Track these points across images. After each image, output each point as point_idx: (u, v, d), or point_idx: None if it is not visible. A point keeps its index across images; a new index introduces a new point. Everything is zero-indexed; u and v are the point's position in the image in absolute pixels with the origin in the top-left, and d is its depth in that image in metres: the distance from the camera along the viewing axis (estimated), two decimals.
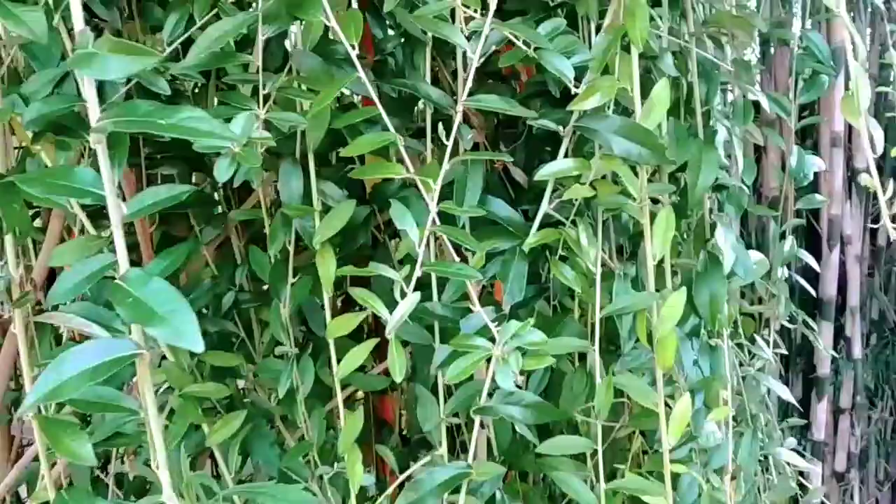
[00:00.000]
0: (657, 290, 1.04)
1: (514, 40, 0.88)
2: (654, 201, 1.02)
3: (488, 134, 1.31)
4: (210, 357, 1.13)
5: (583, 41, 1.06)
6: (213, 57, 0.80)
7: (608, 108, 1.00)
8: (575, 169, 0.99)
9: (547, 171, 0.99)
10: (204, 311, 1.25)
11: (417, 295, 0.83)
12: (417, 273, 0.83)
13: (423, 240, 0.86)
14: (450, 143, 0.87)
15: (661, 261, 1.03)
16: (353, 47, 0.82)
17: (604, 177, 1.02)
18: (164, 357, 1.08)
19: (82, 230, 0.91)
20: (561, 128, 1.00)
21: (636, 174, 0.97)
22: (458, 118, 0.90)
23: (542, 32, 0.90)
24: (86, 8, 0.80)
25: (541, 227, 1.03)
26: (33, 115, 0.79)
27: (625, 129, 0.96)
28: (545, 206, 1.02)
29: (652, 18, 1.02)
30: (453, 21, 0.88)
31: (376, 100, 0.84)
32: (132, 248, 1.19)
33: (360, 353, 0.95)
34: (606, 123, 0.97)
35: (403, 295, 0.83)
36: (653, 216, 1.01)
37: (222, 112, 0.80)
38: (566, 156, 1.01)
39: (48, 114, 0.78)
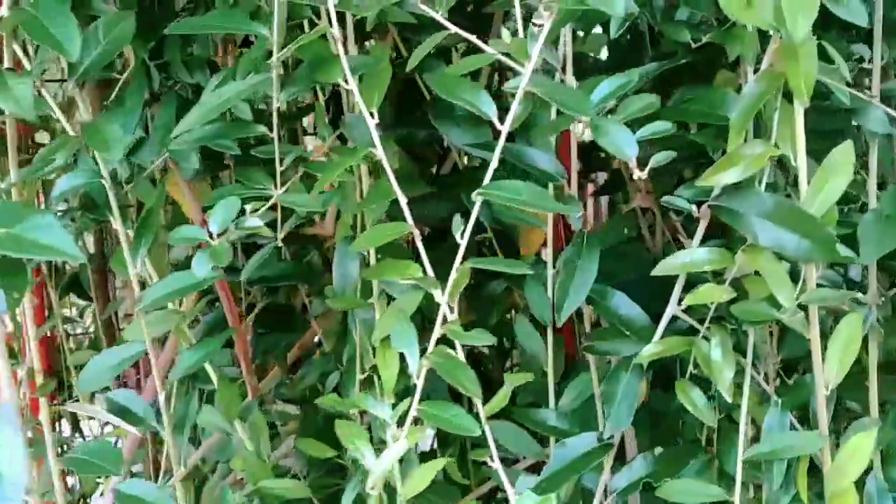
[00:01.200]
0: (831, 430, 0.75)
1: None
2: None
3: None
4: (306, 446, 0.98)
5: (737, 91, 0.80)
6: (222, 129, 0.65)
7: (761, 180, 0.73)
8: (709, 263, 0.73)
9: (671, 265, 0.74)
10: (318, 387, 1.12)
11: (404, 445, 0.62)
12: (412, 413, 0.62)
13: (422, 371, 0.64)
14: (463, 239, 0.65)
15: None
16: (372, 115, 0.64)
17: (757, 272, 0.75)
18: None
19: None
20: (695, 207, 0.75)
21: (795, 277, 0.69)
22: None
23: (602, 93, 0.65)
24: None
25: (669, 333, 0.78)
26: None
27: (778, 212, 0.69)
28: (672, 308, 0.77)
29: (827, 58, 0.74)
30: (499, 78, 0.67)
31: (391, 175, 0.64)
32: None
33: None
34: (752, 203, 0.70)
35: None
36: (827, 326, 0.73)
37: (235, 191, 0.65)
38: (703, 242, 0.76)
39: None
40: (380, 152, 0.63)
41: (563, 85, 0.54)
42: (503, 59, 0.60)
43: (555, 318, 0.81)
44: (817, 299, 0.70)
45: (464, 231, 0.66)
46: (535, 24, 0.58)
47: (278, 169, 0.67)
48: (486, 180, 0.63)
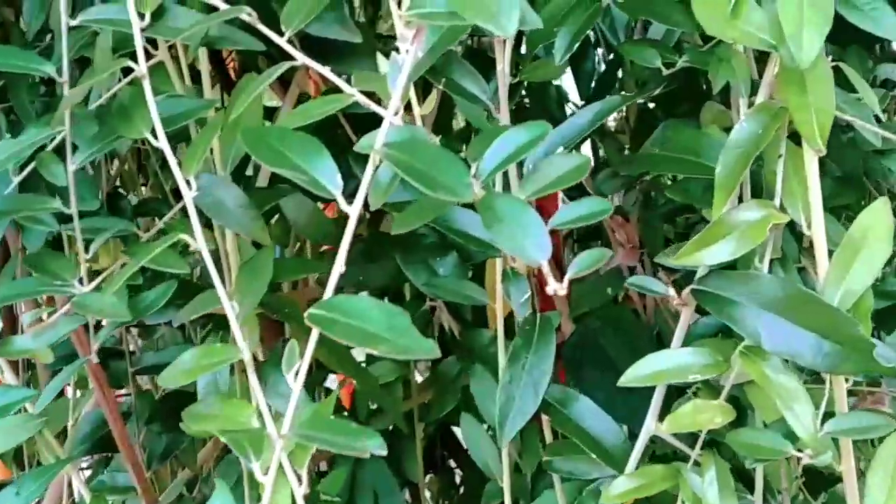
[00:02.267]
0: None
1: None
2: None
3: None
4: None
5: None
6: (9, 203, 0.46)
7: (763, 256, 0.53)
8: (696, 370, 0.52)
9: (641, 374, 0.53)
10: None
11: None
12: None
13: None
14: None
15: None
16: (189, 185, 0.44)
17: None
18: None
19: None
20: (671, 291, 0.54)
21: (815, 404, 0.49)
22: None
23: (499, 155, 0.43)
24: None
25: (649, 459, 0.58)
26: None
27: (789, 302, 0.49)
28: (651, 426, 0.56)
29: (845, 83, 0.54)
30: None
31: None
32: None
33: None
34: (751, 289, 0.50)
35: None
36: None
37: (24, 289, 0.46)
38: (687, 342, 0.55)
39: None
40: (198, 241, 0.43)
41: (436, 148, 0.35)
42: (364, 101, 0.40)
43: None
44: (851, 431, 0.49)
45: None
46: (397, 51, 0.38)
47: (83, 256, 0.48)
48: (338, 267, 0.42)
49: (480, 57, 0.80)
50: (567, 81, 0.96)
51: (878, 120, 0.56)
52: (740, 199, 0.55)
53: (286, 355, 0.37)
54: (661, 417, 0.56)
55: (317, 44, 0.62)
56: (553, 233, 1.07)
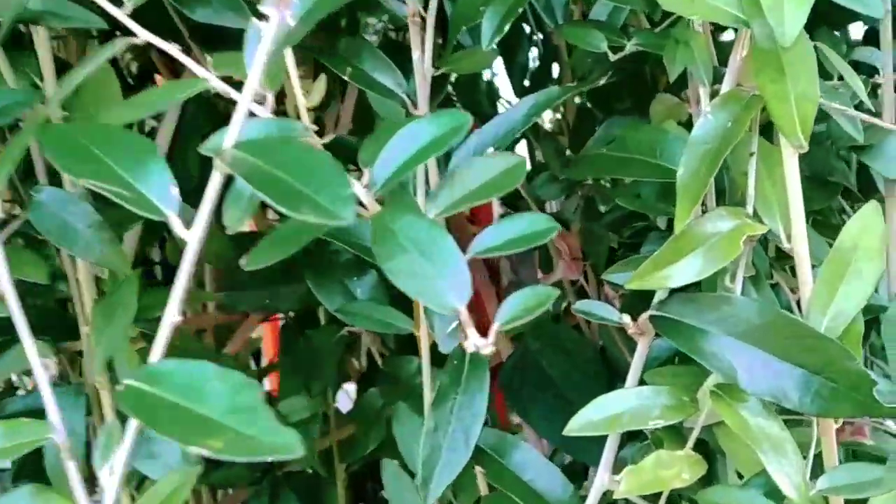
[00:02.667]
0: None
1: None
2: None
3: None
4: None
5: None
6: None
7: (735, 274, 0.44)
8: (657, 414, 0.43)
9: (593, 419, 0.44)
10: None
11: None
12: None
13: None
14: None
15: None
16: None
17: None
18: None
19: None
20: (626, 318, 0.45)
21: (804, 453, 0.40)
22: None
23: (395, 160, 0.32)
24: None
25: None
26: None
27: (767, 330, 0.40)
28: (603, 479, 0.47)
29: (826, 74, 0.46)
30: None
31: None
32: None
33: None
34: (720, 315, 0.41)
35: None
36: None
37: None
38: (642, 381, 0.46)
39: None
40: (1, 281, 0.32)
41: (306, 150, 0.25)
42: (221, 87, 0.30)
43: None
44: (848, 488, 0.40)
45: None
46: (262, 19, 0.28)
47: None
48: None
49: (401, 50, 0.71)
50: (501, 80, 0.87)
51: (858, 108, 0.48)
52: (703, 208, 0.46)
53: (101, 441, 0.26)
54: (618, 468, 0.46)
55: (210, 33, 0.51)
56: None
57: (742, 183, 0.44)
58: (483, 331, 0.86)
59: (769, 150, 0.44)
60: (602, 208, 0.75)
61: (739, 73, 0.44)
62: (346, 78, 0.49)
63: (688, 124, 0.52)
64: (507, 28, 0.47)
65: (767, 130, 0.45)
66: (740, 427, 0.40)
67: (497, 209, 1.19)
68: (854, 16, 0.60)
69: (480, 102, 0.71)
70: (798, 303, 0.49)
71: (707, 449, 0.47)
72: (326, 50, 0.51)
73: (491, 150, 0.48)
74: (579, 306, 0.46)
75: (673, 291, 0.43)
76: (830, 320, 0.41)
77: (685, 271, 0.41)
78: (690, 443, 0.43)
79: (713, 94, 0.46)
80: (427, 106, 0.49)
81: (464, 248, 0.83)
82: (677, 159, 0.43)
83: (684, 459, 0.42)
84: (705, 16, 0.41)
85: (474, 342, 0.27)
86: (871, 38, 0.60)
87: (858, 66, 0.53)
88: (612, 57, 0.48)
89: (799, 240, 0.42)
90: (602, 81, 0.52)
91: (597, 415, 0.44)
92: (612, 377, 0.85)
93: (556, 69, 0.84)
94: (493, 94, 0.74)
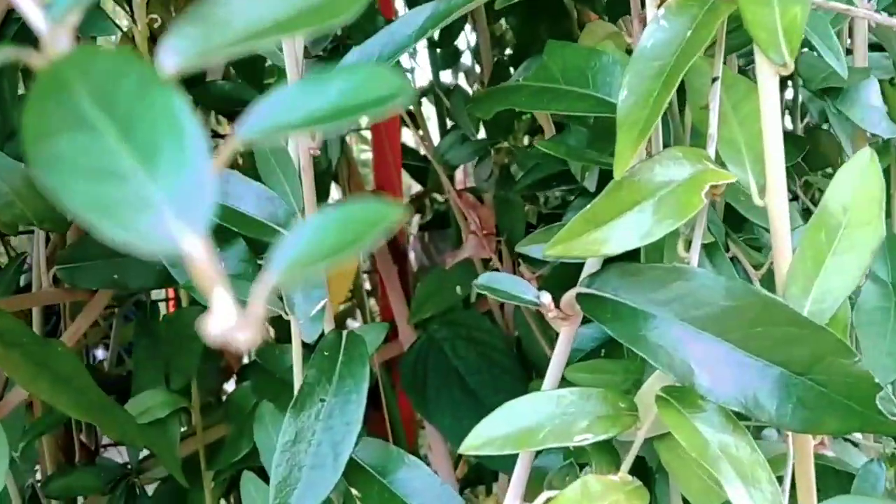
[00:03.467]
0: None
1: None
2: None
3: None
4: None
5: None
6: None
7: (690, 243, 0.33)
8: (582, 428, 0.31)
9: (500, 432, 0.32)
10: None
11: None
12: None
13: None
14: None
15: None
16: None
17: None
18: None
19: None
20: (545, 298, 0.33)
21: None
22: None
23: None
24: None
25: None
26: None
27: (736, 316, 0.29)
28: None
29: None
30: None
31: None
32: None
33: None
34: (672, 296, 0.30)
35: None
36: None
37: None
38: (564, 380, 0.35)
39: None
40: None
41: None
42: None
43: None
44: None
45: None
46: None
47: None
48: None
49: None
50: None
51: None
52: (648, 153, 0.35)
53: None
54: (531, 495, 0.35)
55: None
56: None
57: (700, 119, 0.33)
58: (387, 318, 0.73)
59: (734, 79, 0.33)
60: (516, 175, 0.64)
61: None
62: None
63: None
64: None
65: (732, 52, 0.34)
66: (695, 445, 0.29)
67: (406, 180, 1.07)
68: None
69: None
70: (762, 281, 0.38)
71: (644, 469, 0.37)
72: None
73: None
74: (482, 281, 0.34)
75: (608, 262, 0.32)
76: (814, 303, 0.31)
77: (627, 233, 0.29)
78: (627, 464, 0.32)
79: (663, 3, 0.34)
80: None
81: None
82: (615, 90, 0.32)
83: (620, 488, 0.31)
84: None
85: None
86: None
87: None
88: None
89: (776, 194, 0.31)
90: None
91: (504, 427, 0.32)
92: (530, 372, 0.74)
93: None
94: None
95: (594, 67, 0.35)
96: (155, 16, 0.56)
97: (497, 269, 0.70)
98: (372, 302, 1.11)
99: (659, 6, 0.35)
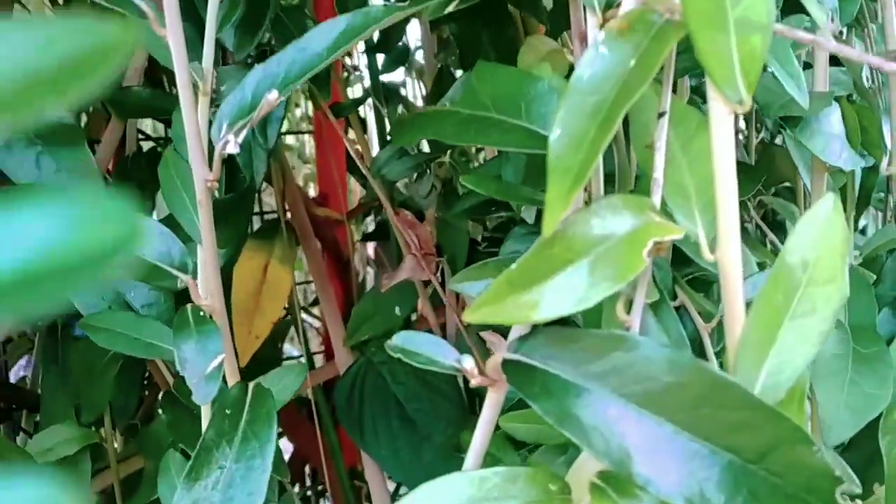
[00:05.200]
0: None
1: None
2: None
3: None
4: None
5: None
6: None
7: (631, 305, 0.29)
8: None
9: None
10: None
11: None
12: None
13: None
14: None
15: None
16: None
17: None
18: None
19: None
20: (467, 363, 0.29)
21: None
22: None
23: None
24: None
25: None
26: None
27: (680, 394, 0.25)
28: None
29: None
30: None
31: None
32: None
33: None
34: (608, 367, 0.26)
35: None
36: None
37: None
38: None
39: None
40: None
41: None
42: None
43: None
44: None
45: None
46: None
47: None
48: None
49: None
50: None
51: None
52: (587, 198, 0.31)
53: None
54: None
55: None
56: (339, 224, 0.80)
57: (645, 160, 0.29)
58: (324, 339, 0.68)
59: (684, 112, 0.29)
60: (460, 190, 0.60)
61: None
62: None
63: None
64: None
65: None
66: None
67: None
68: None
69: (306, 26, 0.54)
70: (712, 335, 0.34)
71: None
72: None
73: (274, 94, 0.31)
74: (396, 342, 0.29)
75: (538, 327, 0.28)
76: (769, 375, 0.27)
77: (559, 297, 0.25)
78: None
79: (605, 24, 0.30)
80: (179, 25, 0.32)
81: (314, 234, 0.65)
82: (550, 122, 0.27)
83: None
84: None
85: None
86: None
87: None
88: None
89: (728, 249, 0.27)
90: (450, 8, 0.35)
91: None
92: (473, 399, 0.70)
93: None
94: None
95: (528, 95, 0.31)
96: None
97: (436, 291, 0.65)
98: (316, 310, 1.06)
99: (601, 26, 0.31)
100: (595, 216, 0.26)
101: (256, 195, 0.78)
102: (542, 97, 0.30)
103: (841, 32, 0.49)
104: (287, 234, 0.74)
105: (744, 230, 0.59)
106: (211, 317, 0.33)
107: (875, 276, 0.51)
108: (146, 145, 0.75)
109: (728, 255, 0.27)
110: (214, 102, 0.55)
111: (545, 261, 0.25)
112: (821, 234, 0.28)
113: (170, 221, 0.39)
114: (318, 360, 1.07)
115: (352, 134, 0.75)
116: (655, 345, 0.26)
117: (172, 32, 0.32)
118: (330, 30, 0.32)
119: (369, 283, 1.29)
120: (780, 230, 0.69)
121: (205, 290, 0.34)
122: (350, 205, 0.99)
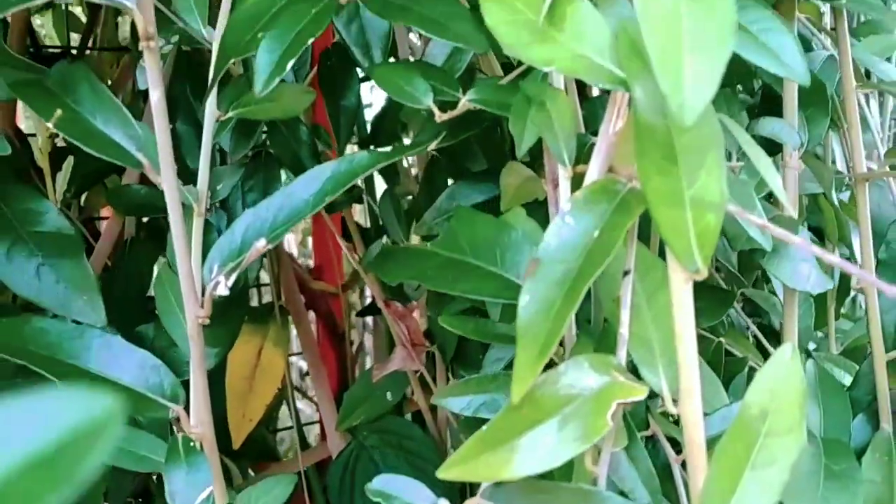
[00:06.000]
0: None
1: None
2: None
3: None
4: None
5: None
6: None
7: (598, 458, 0.30)
8: None
9: None
10: None
11: None
12: None
13: None
14: None
15: None
16: None
17: None
18: None
19: None
20: None
21: None
22: None
23: None
24: None
25: None
26: None
27: None
28: None
29: None
30: None
31: None
32: None
33: None
34: None
35: None
36: None
37: None
38: None
39: None
40: None
41: None
42: None
43: None
44: None
45: None
46: None
47: None
48: None
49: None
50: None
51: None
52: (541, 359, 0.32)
53: None
54: None
55: None
56: (334, 296, 0.81)
57: (612, 313, 0.30)
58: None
59: (650, 264, 0.31)
60: None
61: (613, 152, 0.30)
62: (50, 126, 0.33)
63: (544, 207, 0.39)
64: (288, 65, 0.32)
65: (645, 232, 0.32)
66: None
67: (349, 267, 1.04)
68: (752, 73, 0.48)
69: (300, 154, 0.56)
70: (683, 464, 0.35)
71: None
72: (32, 81, 0.34)
73: (262, 242, 0.33)
74: (375, 486, 0.31)
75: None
76: None
77: (529, 455, 0.26)
78: None
79: (576, 179, 0.32)
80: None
81: (308, 306, 0.67)
82: (524, 270, 0.29)
83: None
84: (563, 67, 0.27)
85: None
86: (770, 101, 0.48)
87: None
88: (441, 117, 0.33)
89: (690, 404, 0.28)
90: (433, 146, 0.37)
91: None
92: (465, 485, 0.70)
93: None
94: (318, 140, 0.58)
95: (503, 243, 0.32)
96: None
97: (426, 382, 0.67)
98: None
99: (570, 178, 0.33)
100: (562, 376, 0.27)
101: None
102: (516, 246, 0.32)
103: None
104: (281, 316, 0.76)
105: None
106: (201, 445, 0.35)
107: (854, 371, 0.52)
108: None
109: (689, 410, 0.28)
110: (211, 202, 0.57)
111: (515, 421, 0.27)
112: (779, 385, 0.29)
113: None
114: (314, 428, 1.08)
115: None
116: (617, 497, 0.27)
117: (167, 179, 0.34)
118: (316, 176, 0.34)
119: (366, 346, 1.30)
120: (764, 316, 0.70)
121: (196, 418, 0.35)
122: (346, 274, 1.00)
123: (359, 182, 0.35)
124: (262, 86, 0.32)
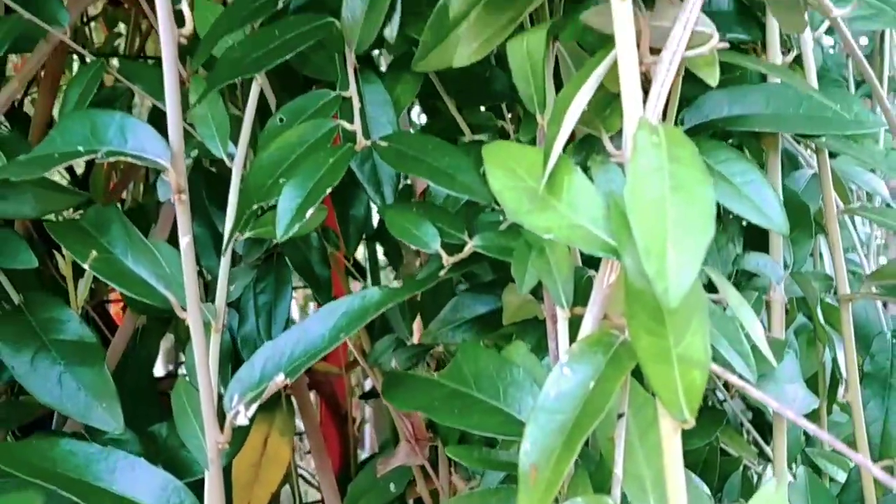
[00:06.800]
0: None
1: None
2: None
3: None
4: None
5: None
6: None
7: None
8: None
9: None
10: None
11: None
12: None
13: None
14: None
15: None
16: None
17: None
18: None
19: None
20: None
21: None
22: None
23: None
24: None
25: None
26: None
27: None
28: None
29: None
30: None
31: None
32: None
33: None
34: None
35: None
36: None
37: None
38: None
39: None
40: None
41: None
42: None
43: None
44: None
45: None
46: None
47: None
48: None
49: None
50: None
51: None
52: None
53: None
54: None
55: None
56: (338, 377, 0.83)
57: (607, 450, 0.32)
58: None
59: (644, 402, 0.33)
60: None
61: (607, 305, 0.33)
62: (85, 266, 0.35)
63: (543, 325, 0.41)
64: (309, 211, 0.35)
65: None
66: None
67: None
68: None
69: (310, 259, 0.58)
70: None
71: None
72: (68, 223, 0.37)
73: (280, 377, 0.35)
74: None
75: None
76: None
77: None
78: None
79: (574, 322, 0.34)
80: (197, 301, 0.36)
81: (311, 387, 0.68)
82: (525, 407, 0.31)
83: None
84: (560, 235, 0.30)
85: None
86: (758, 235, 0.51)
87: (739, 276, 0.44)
88: (448, 260, 0.36)
89: None
90: (443, 273, 0.40)
91: None
92: None
93: None
94: (328, 246, 0.61)
95: (506, 380, 0.35)
96: None
97: (429, 475, 0.68)
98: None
99: (569, 319, 0.35)
100: None
101: None
102: (518, 383, 0.34)
103: None
104: (286, 404, 0.78)
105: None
106: None
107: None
108: None
109: None
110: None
111: None
112: None
113: None
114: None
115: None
116: None
117: (192, 315, 0.36)
118: (331, 313, 0.36)
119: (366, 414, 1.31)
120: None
121: None
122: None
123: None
124: (283, 231, 0.35)
